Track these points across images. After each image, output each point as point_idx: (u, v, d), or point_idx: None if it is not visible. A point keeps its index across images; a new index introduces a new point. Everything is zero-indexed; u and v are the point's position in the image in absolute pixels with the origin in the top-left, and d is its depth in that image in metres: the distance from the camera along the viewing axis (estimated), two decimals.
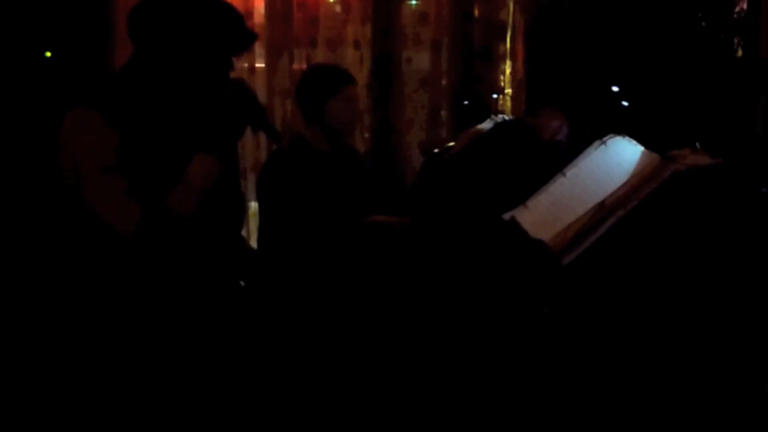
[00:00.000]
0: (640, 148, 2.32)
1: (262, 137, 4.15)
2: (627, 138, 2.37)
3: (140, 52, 2.08)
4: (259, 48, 4.22)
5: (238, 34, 2.12)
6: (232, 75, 2.14)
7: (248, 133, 2.18)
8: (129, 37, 2.09)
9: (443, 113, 4.24)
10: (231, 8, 2.11)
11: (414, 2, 4.24)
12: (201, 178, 2.03)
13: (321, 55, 4.20)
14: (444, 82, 4.22)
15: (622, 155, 2.31)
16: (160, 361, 2.05)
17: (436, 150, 3.34)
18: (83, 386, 2.04)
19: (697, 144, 2.39)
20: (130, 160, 1.95)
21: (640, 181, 2.19)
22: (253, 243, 3.67)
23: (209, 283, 2.15)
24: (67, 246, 2.05)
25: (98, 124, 1.95)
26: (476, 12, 4.20)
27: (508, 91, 4.20)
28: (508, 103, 4.18)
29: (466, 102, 4.12)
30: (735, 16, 3.21)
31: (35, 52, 3.57)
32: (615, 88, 2.78)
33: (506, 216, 2.35)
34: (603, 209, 2.16)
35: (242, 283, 2.37)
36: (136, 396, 2.03)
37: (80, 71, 3.63)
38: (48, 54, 3.58)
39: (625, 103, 2.73)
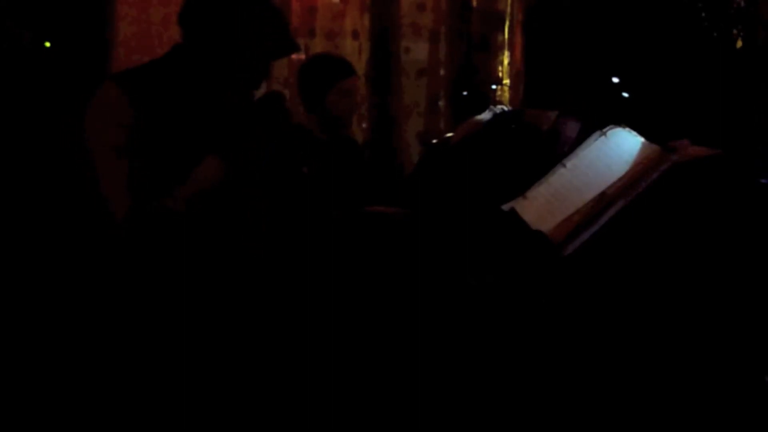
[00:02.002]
0: (640, 139, 2.32)
1: None
2: (627, 129, 2.37)
3: (187, 39, 2.10)
4: None
5: (283, 40, 2.15)
6: None
7: None
8: (179, 23, 2.11)
9: (441, 104, 4.23)
10: (280, 14, 2.17)
11: None
12: (203, 180, 2.04)
13: (319, 46, 4.19)
14: (442, 72, 4.22)
15: (622, 146, 2.32)
16: (159, 355, 2.05)
17: (434, 140, 3.34)
18: (81, 380, 2.04)
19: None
20: (147, 145, 1.96)
21: (640, 172, 2.20)
22: None
23: (212, 279, 2.15)
24: (69, 236, 2.05)
25: (123, 104, 1.98)
26: (474, 2, 4.19)
27: (507, 81, 4.19)
28: (507, 94, 4.17)
29: (464, 93, 4.12)
30: (734, 6, 3.21)
31: (35, 41, 3.56)
32: (615, 79, 2.78)
33: (506, 207, 2.35)
34: (603, 200, 2.17)
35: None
36: (134, 391, 2.03)
37: (78, 62, 3.62)
38: (47, 44, 3.57)
39: (624, 94, 2.73)
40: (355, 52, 4.18)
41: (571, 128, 2.57)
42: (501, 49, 4.20)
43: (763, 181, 2.47)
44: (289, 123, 2.17)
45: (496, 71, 4.20)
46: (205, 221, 2.06)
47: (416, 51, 4.25)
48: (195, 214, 2.03)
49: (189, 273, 2.09)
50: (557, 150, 2.67)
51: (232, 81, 2.12)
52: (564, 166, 2.35)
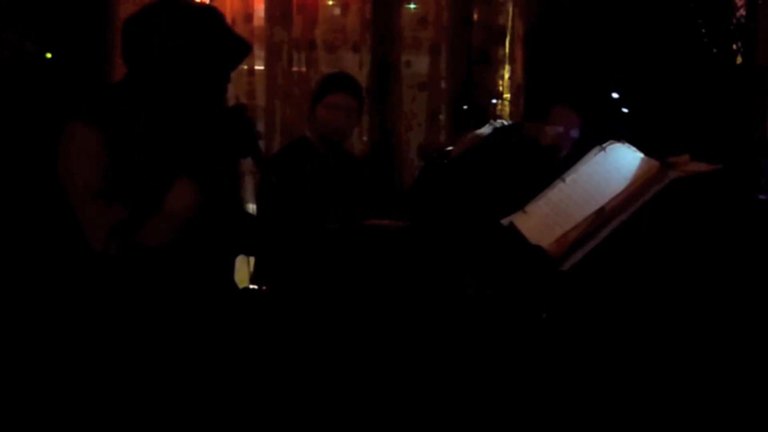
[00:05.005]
0: (640, 155, 2.33)
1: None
2: (626, 144, 2.37)
3: (133, 69, 2.04)
4: (258, 50, 4.22)
5: (230, 46, 2.07)
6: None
7: None
8: (122, 57, 2.04)
9: (442, 117, 4.23)
10: (219, 20, 2.06)
11: (413, 6, 4.23)
12: (182, 209, 1.98)
13: (320, 58, 4.20)
14: (443, 86, 4.22)
15: (621, 161, 2.32)
16: (156, 361, 2.04)
17: (434, 154, 3.35)
18: (79, 385, 2.03)
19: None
20: (121, 174, 1.92)
21: (639, 187, 2.20)
22: None
23: (204, 287, 2.14)
24: (64, 245, 2.04)
25: (95, 145, 1.92)
26: (475, 16, 4.19)
27: (507, 95, 4.19)
28: (507, 108, 4.17)
29: (465, 106, 4.12)
30: (734, 22, 3.22)
31: (36, 52, 3.57)
32: (615, 95, 2.79)
33: (505, 221, 2.35)
34: (602, 215, 2.17)
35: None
36: (132, 395, 2.02)
37: (79, 74, 3.63)
38: (48, 55, 3.58)
39: (624, 110, 2.74)
40: (356, 64, 4.18)
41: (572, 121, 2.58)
42: (502, 63, 4.20)
43: (761, 197, 2.48)
44: (254, 134, 2.10)
45: (496, 85, 4.20)
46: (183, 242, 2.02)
47: (417, 64, 4.25)
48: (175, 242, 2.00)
49: (190, 279, 2.08)
50: (557, 162, 2.68)
51: (191, 97, 2.05)
52: (563, 180, 2.36)
